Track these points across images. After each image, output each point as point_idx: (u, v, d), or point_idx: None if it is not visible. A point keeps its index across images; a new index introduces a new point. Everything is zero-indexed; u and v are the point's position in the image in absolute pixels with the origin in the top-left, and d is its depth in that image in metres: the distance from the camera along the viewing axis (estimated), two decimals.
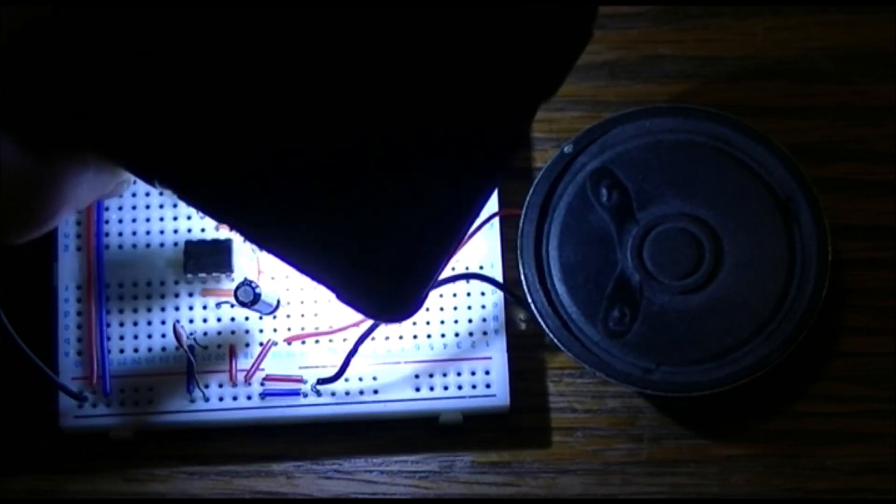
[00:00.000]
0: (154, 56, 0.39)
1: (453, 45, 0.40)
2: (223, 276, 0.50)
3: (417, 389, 0.49)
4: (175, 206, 0.50)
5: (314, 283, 0.41)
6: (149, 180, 0.41)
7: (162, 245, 0.50)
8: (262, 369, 0.49)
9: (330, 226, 0.40)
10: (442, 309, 0.50)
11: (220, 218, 0.41)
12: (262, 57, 0.39)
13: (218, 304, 0.50)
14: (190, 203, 0.41)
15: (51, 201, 0.41)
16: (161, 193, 0.49)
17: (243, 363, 0.49)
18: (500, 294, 0.50)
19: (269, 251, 0.41)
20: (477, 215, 0.41)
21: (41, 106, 0.40)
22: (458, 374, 0.49)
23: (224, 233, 0.50)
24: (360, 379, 0.49)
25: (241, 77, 0.39)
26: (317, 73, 0.39)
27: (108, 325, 0.49)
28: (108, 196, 0.45)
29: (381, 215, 0.40)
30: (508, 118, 0.40)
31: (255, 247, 0.41)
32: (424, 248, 0.40)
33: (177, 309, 0.50)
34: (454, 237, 0.41)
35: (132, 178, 0.43)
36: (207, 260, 0.49)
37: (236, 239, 0.50)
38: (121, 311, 0.50)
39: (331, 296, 0.49)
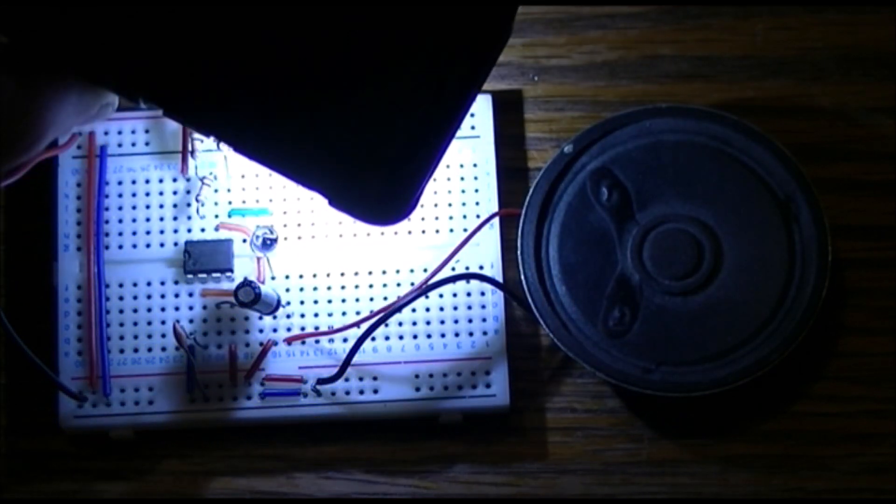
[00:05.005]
0: None
1: None
2: (223, 276, 0.50)
3: (417, 389, 0.49)
4: (175, 206, 0.50)
5: (308, 192, 0.41)
6: (134, 99, 0.40)
7: (162, 245, 0.50)
8: (262, 369, 0.49)
9: (320, 131, 0.40)
10: (442, 309, 0.50)
11: (209, 132, 0.40)
12: None
13: (218, 304, 0.50)
14: (178, 120, 0.40)
15: (35, 125, 0.40)
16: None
17: (243, 363, 0.49)
18: (500, 294, 0.50)
19: (259, 162, 0.41)
20: (465, 113, 0.41)
21: (21, 28, 0.39)
22: (458, 374, 0.49)
23: (224, 233, 0.50)
24: (360, 379, 0.49)
25: None
26: None
27: (108, 325, 0.49)
28: (93, 119, 0.43)
29: (371, 117, 0.39)
30: (490, 13, 0.40)
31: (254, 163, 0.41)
32: (416, 147, 0.40)
33: (177, 309, 0.50)
34: (445, 136, 0.40)
35: (116, 100, 0.43)
36: (207, 260, 0.49)
37: (236, 239, 0.50)
38: (121, 311, 0.50)
39: (330, 294, 0.50)
